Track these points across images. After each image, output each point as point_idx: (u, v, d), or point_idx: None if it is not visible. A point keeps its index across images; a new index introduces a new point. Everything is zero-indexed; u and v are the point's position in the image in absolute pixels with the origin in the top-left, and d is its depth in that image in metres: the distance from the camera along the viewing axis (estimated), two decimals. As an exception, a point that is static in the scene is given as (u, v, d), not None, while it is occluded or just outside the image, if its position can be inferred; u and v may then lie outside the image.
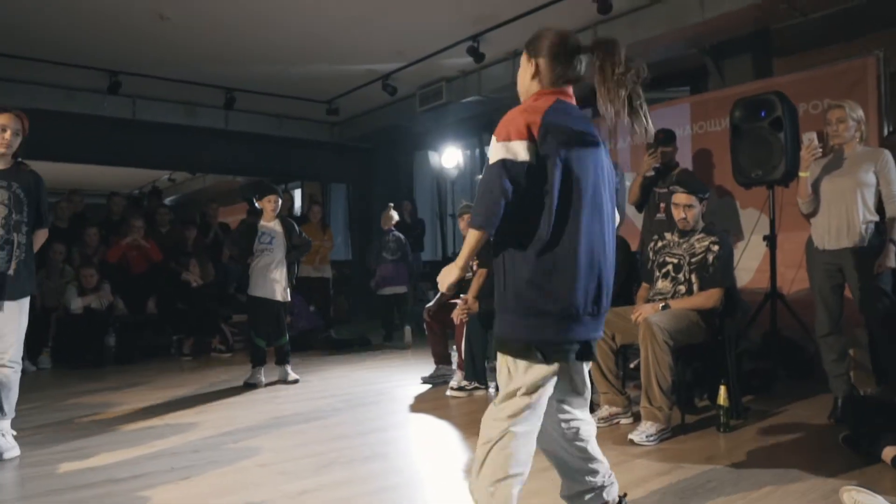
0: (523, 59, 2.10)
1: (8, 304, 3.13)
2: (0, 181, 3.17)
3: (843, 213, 3.44)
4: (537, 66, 2.04)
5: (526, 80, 2.08)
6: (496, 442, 1.90)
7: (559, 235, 1.90)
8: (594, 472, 2.09)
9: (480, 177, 1.97)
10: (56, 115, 7.39)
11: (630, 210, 6.02)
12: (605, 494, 2.10)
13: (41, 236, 3.41)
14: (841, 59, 4.99)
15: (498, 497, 1.88)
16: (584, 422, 2.11)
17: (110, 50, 6.55)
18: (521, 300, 1.91)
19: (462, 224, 4.84)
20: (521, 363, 1.92)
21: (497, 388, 2.10)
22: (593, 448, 2.11)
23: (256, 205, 5.20)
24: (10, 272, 3.12)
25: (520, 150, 1.88)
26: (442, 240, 9.18)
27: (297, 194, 11.97)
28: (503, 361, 1.97)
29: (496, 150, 1.91)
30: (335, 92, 8.14)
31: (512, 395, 1.93)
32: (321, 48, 6.60)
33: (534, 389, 1.92)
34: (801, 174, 3.55)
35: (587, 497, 2.10)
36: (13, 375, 3.17)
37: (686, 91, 6.59)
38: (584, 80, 2.05)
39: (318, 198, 9.99)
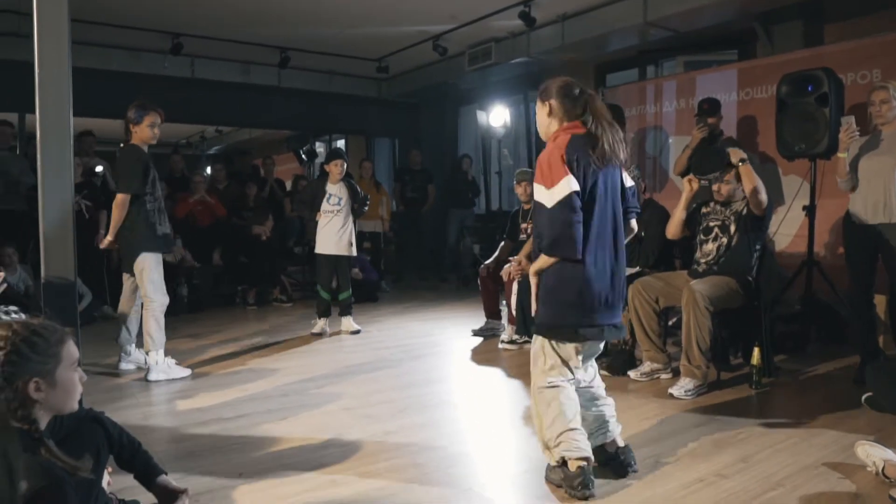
0: (538, 104, 2.57)
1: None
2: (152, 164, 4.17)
3: (880, 189, 3.65)
4: (550, 105, 2.52)
5: (543, 119, 2.56)
6: (547, 404, 2.46)
7: (586, 245, 2.40)
8: (603, 406, 2.63)
9: (542, 216, 2.43)
10: (123, 75, 7.82)
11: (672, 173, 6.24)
12: (609, 429, 2.61)
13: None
14: (894, 27, 5.03)
15: (563, 445, 2.38)
16: (598, 379, 2.69)
17: (174, 14, 6.88)
18: (561, 296, 2.44)
19: (519, 190, 5.16)
20: (566, 345, 2.48)
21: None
22: (600, 393, 2.65)
23: (324, 168, 5.56)
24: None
25: (570, 184, 2.34)
26: (486, 196, 9.47)
27: (340, 143, 12.35)
28: (543, 343, 2.51)
29: (552, 195, 2.36)
30: (386, 51, 8.37)
31: (553, 367, 2.49)
32: (374, 11, 6.81)
33: (568, 362, 2.50)
34: (840, 155, 3.76)
35: (598, 429, 2.61)
36: None
37: (734, 54, 6.66)
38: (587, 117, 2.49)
39: (364, 154, 10.31)
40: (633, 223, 2.71)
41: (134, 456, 2.01)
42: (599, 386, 2.66)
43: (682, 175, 5.26)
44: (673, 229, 4.10)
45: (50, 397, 1.62)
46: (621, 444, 2.62)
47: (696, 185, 3.92)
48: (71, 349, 1.68)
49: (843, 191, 3.89)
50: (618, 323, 2.54)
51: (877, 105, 3.69)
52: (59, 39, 2.83)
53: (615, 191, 2.51)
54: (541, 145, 2.62)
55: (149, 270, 4.03)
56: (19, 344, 1.58)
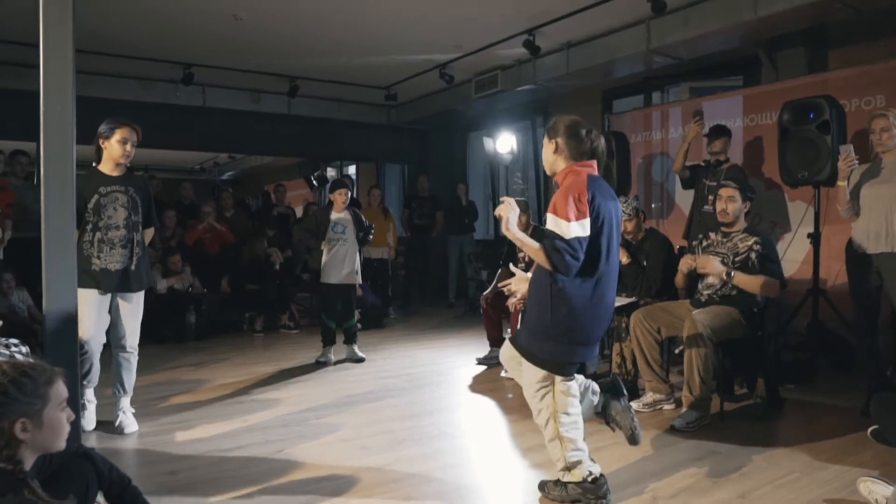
0: (545, 140, 2.65)
1: (131, 296, 3.60)
2: (119, 186, 3.56)
3: (882, 218, 3.62)
4: (557, 143, 2.59)
5: (550, 155, 2.63)
6: (567, 430, 2.64)
7: (593, 283, 2.51)
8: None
9: (547, 239, 2.46)
10: (135, 104, 7.96)
11: (679, 198, 6.25)
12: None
13: (150, 234, 3.83)
14: (897, 53, 5.03)
15: (585, 465, 2.63)
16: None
17: (186, 46, 7.04)
18: (563, 330, 2.53)
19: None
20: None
21: None
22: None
23: (329, 197, 5.62)
24: (132, 267, 3.57)
25: (581, 229, 2.40)
26: (495, 221, 9.49)
27: (352, 170, 12.48)
28: (537, 373, 2.64)
29: (565, 228, 2.40)
30: (393, 79, 8.47)
31: (567, 392, 2.64)
32: (382, 42, 6.91)
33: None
34: (840, 183, 3.75)
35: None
36: (133, 359, 3.68)
37: (739, 80, 6.67)
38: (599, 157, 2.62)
39: (374, 181, 10.39)
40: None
41: (123, 492, 2.02)
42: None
43: (680, 177, 5.36)
44: (678, 283, 4.16)
45: (37, 437, 1.64)
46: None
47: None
48: (59, 389, 1.70)
49: (844, 219, 3.86)
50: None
51: (877, 133, 3.67)
52: (64, 71, 2.87)
53: (619, 223, 2.66)
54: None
55: (79, 307, 3.11)
56: (7, 385, 1.60)
